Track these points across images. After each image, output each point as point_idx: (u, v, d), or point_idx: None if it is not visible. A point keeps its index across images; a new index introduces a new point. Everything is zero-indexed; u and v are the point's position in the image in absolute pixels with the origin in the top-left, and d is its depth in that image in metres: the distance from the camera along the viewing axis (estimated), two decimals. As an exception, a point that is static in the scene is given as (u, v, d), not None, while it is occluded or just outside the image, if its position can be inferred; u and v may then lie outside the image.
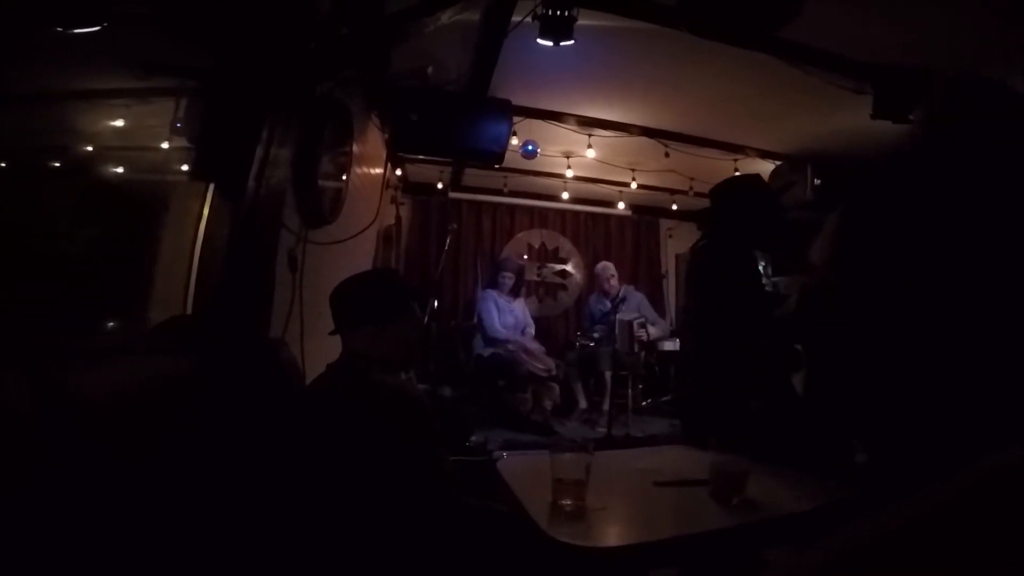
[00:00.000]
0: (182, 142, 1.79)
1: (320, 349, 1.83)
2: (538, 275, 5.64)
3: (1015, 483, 0.43)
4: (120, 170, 1.94)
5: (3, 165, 1.68)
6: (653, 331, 4.58)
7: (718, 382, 1.92)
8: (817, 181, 4.02)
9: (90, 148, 1.88)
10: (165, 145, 1.88)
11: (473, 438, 3.41)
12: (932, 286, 1.14)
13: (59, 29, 1.40)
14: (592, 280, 5.24)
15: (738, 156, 4.08)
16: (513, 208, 5.66)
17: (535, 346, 4.57)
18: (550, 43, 2.24)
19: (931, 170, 1.23)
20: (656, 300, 5.52)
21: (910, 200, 1.21)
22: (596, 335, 4.65)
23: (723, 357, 1.91)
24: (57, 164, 1.82)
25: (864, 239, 1.25)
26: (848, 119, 3.21)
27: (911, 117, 2.64)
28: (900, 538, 0.45)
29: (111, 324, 1.75)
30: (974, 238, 1.12)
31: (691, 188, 4.72)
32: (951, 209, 1.15)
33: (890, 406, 1.21)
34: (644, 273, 5.91)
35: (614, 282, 4.84)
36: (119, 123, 1.88)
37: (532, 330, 4.80)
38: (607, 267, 4.96)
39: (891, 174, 1.29)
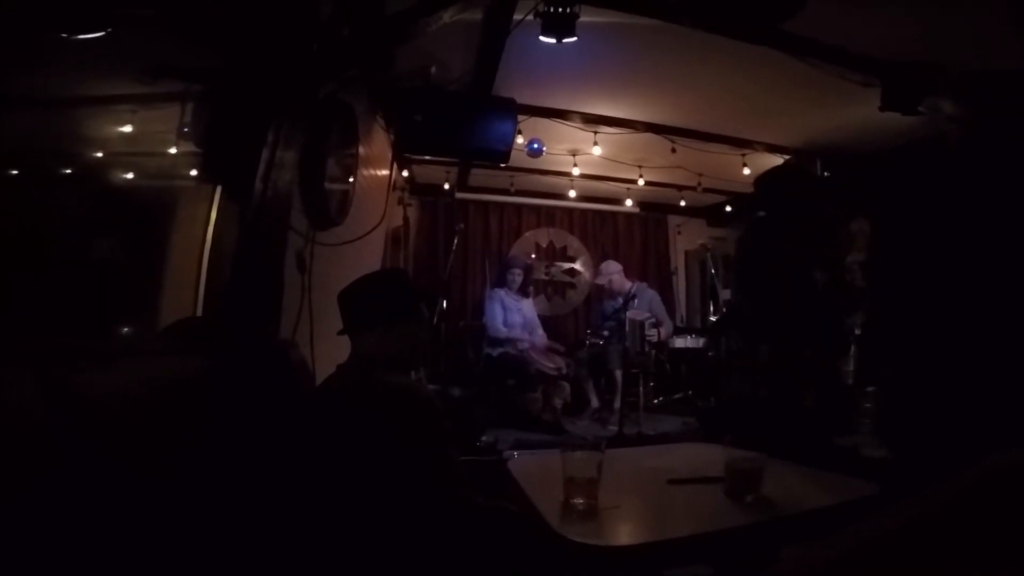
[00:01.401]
0: (189, 146, 1.80)
1: (330, 350, 1.83)
2: (547, 274, 5.62)
3: (1015, 483, 0.42)
4: (129, 175, 1.95)
5: (15, 172, 1.70)
6: (663, 332, 4.56)
7: (768, 378, 1.88)
8: (826, 175, 3.98)
9: (100, 154, 1.89)
10: (172, 150, 1.89)
11: (483, 438, 3.41)
12: (957, 286, 1.13)
13: (63, 35, 1.41)
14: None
15: (746, 151, 4.04)
16: (520, 207, 5.65)
17: (546, 344, 4.56)
18: (553, 40, 2.23)
19: (974, 169, 1.20)
20: (666, 297, 5.49)
21: (952, 199, 1.19)
22: (606, 333, 4.63)
23: (773, 351, 1.87)
24: (68, 171, 1.84)
25: (901, 239, 1.23)
26: (856, 112, 3.17)
27: (921, 109, 2.61)
28: (902, 537, 0.45)
29: (123, 328, 1.76)
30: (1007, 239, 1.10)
31: (699, 184, 4.69)
32: (991, 205, 1.12)
33: (923, 406, 1.20)
34: (653, 270, 5.88)
35: (616, 279, 4.77)
36: (127, 129, 1.89)
37: (540, 330, 4.78)
38: (600, 269, 4.93)
39: (929, 176, 1.27)
